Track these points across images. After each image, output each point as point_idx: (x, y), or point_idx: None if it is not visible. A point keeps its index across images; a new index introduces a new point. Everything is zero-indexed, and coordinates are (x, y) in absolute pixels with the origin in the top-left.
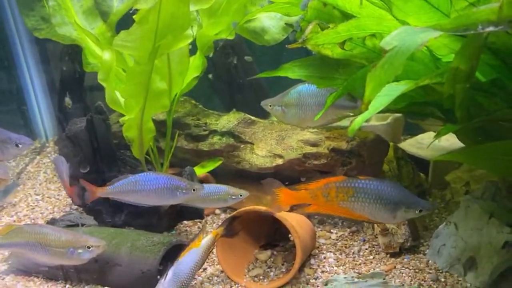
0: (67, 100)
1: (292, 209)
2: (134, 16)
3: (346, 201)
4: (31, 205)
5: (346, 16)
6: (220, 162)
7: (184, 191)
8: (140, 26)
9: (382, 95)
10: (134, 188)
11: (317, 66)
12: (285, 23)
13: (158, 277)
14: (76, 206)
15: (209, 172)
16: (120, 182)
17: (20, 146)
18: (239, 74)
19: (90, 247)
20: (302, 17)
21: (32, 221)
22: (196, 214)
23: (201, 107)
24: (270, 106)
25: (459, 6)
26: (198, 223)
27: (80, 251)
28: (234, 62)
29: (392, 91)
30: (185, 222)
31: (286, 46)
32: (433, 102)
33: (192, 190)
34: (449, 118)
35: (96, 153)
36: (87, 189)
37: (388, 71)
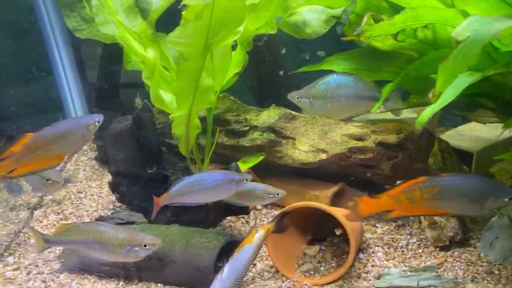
0: (137, 100)
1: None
2: (183, 12)
3: (432, 200)
4: (75, 203)
5: (394, 7)
6: (262, 157)
7: (237, 183)
8: (194, 22)
9: (450, 87)
10: (192, 189)
11: (363, 59)
12: (332, 16)
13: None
14: (120, 203)
15: (251, 167)
16: (176, 186)
17: (98, 124)
18: (274, 68)
19: (146, 245)
20: (351, 9)
21: (78, 219)
22: (241, 209)
23: (240, 103)
24: (298, 98)
25: None
26: (241, 218)
27: (136, 249)
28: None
29: (459, 82)
30: (229, 217)
31: (342, 38)
32: (487, 93)
33: (245, 180)
34: (503, 109)
35: (141, 151)
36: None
37: (461, 62)
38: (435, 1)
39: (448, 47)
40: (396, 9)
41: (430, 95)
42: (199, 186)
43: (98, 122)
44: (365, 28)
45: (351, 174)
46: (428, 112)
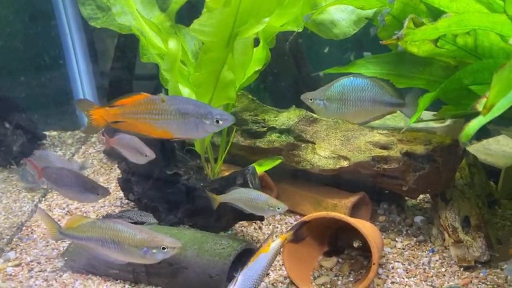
0: (162, 96)
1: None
2: (207, 0)
3: None
4: None
5: (431, 11)
6: (280, 161)
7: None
8: (221, 10)
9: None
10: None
11: (395, 64)
12: (364, 17)
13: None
14: (127, 201)
15: (266, 170)
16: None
17: (221, 122)
18: (295, 68)
19: (165, 248)
20: (388, 10)
21: (84, 214)
22: (256, 215)
23: (259, 102)
24: (311, 100)
25: None
26: (254, 223)
27: (154, 251)
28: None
29: None
30: (241, 222)
31: (381, 42)
32: None
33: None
34: None
35: (155, 148)
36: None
37: None
38: (479, 5)
39: (490, 56)
40: (434, 13)
41: (478, 106)
42: None
43: (218, 122)
44: (406, 32)
45: (372, 184)
46: (475, 124)
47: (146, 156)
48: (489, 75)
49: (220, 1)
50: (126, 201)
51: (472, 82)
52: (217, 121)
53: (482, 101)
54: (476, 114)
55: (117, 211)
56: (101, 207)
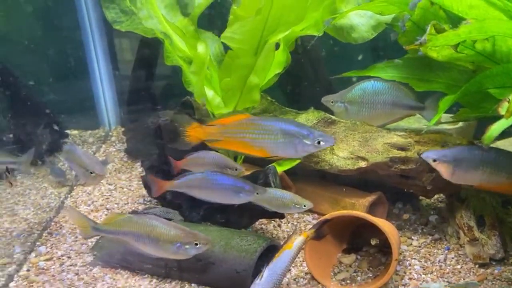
0: (203, 100)
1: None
2: (234, 7)
3: None
4: (105, 195)
5: (450, 17)
6: (298, 161)
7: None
8: (253, 18)
9: None
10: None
11: (414, 68)
12: (384, 23)
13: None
14: (150, 198)
15: (285, 170)
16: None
17: (322, 143)
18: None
19: (197, 244)
20: (408, 17)
21: (109, 211)
22: (277, 213)
23: (278, 104)
24: (332, 102)
25: None
26: (273, 221)
27: (187, 247)
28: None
29: None
30: (260, 220)
31: (404, 47)
32: None
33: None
34: None
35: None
36: (153, 183)
37: None
38: (498, 12)
39: (507, 61)
40: (452, 19)
41: (501, 109)
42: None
43: (319, 143)
44: (429, 38)
45: (389, 184)
46: (498, 127)
47: (236, 169)
48: (509, 79)
49: (250, 9)
50: (149, 198)
51: (492, 86)
52: (319, 142)
53: (504, 105)
54: (495, 117)
55: (140, 208)
56: (125, 204)
